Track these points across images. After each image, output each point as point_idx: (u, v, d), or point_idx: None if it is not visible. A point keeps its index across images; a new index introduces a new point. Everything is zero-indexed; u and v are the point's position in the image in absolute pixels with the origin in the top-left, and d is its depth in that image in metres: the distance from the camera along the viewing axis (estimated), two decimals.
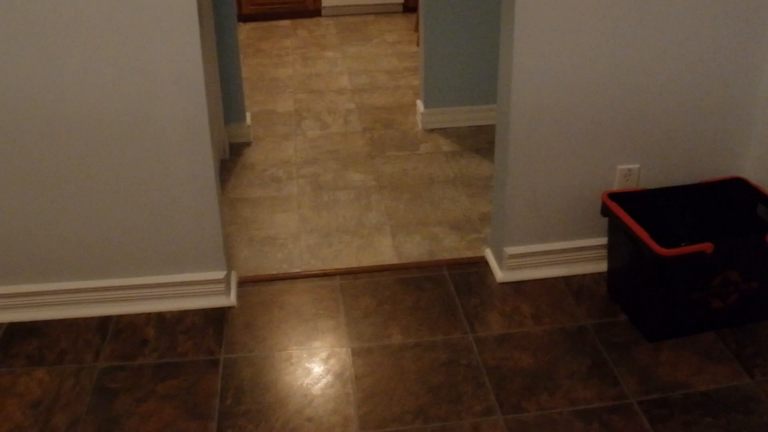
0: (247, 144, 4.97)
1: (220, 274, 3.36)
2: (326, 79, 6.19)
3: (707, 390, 2.82)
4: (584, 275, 3.49)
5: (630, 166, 3.34)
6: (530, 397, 2.82)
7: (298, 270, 3.63)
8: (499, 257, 3.51)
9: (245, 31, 7.41)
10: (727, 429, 2.65)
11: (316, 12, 7.91)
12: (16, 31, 2.84)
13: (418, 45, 5.59)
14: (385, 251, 3.76)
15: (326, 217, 4.09)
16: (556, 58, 3.10)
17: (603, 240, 3.40)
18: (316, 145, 4.95)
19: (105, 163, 3.11)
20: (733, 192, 3.32)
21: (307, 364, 3.04)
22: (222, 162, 4.66)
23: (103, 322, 3.32)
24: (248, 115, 5.07)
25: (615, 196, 3.22)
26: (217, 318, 3.32)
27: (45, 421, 2.81)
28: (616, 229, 3.20)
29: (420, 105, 5.17)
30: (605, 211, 3.21)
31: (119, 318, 3.34)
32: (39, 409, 2.86)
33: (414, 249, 3.77)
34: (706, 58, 3.20)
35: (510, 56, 3.11)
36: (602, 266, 3.44)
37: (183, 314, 3.35)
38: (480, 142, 4.88)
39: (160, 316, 3.34)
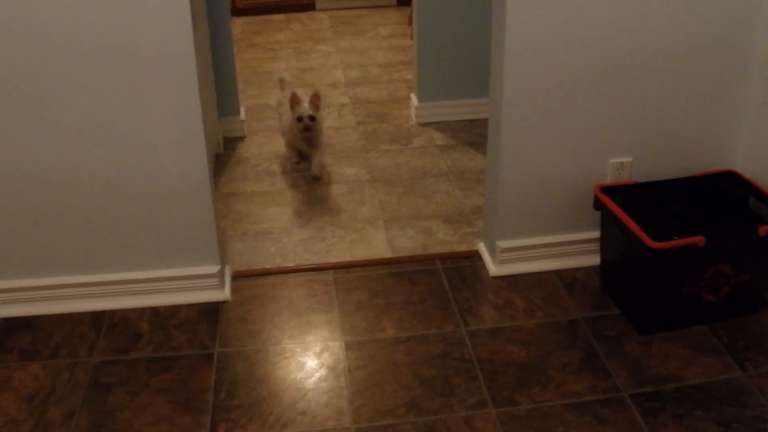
0: (242, 138, 4.97)
1: (214, 269, 3.37)
2: (320, 73, 6.19)
3: (699, 383, 2.84)
4: (577, 269, 3.50)
5: (623, 160, 3.35)
6: (522, 390, 2.83)
7: (292, 264, 3.64)
8: (492, 251, 3.51)
9: (239, 25, 7.39)
10: (718, 422, 2.66)
11: (310, 6, 7.90)
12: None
13: (411, 39, 5.57)
14: (378, 245, 3.77)
15: (320, 211, 4.09)
16: (548, 50, 3.11)
17: (596, 233, 3.41)
18: None
19: (98, 159, 3.11)
20: (725, 185, 3.33)
21: (300, 358, 3.05)
22: (216, 156, 4.66)
23: (97, 316, 3.33)
24: (242, 109, 5.07)
25: (607, 190, 3.23)
26: (210, 312, 3.33)
27: (40, 414, 2.81)
28: (608, 222, 3.21)
29: (414, 99, 5.17)
30: (597, 204, 3.22)
31: (113, 312, 3.35)
32: (34, 402, 2.87)
33: (407, 242, 3.78)
34: (697, 48, 3.20)
35: (502, 47, 3.11)
36: (595, 259, 3.44)
37: (177, 308, 3.36)
38: (473, 135, 4.88)
39: (154, 311, 3.35)
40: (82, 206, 3.20)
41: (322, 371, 2.97)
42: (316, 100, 4.31)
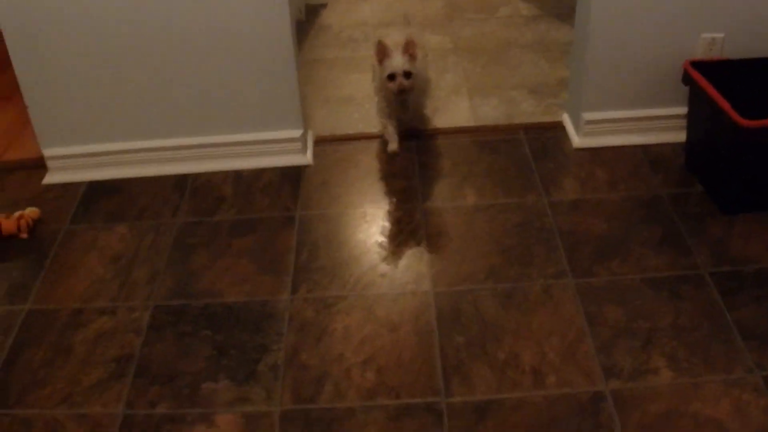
0: (323, 5, 4.92)
1: (297, 133, 3.39)
2: None
3: None
4: (662, 144, 3.44)
5: (714, 35, 3.24)
6: (602, 262, 2.83)
7: (374, 130, 3.64)
8: (577, 123, 3.47)
9: None
10: None
11: None
12: None
13: None
14: (461, 113, 3.74)
15: None
16: None
17: (683, 109, 3.33)
18: (392, 7, 4.89)
19: (184, 24, 3.12)
20: None
21: (381, 223, 3.08)
22: (298, 23, 4.63)
23: (181, 179, 3.40)
24: None
25: (698, 65, 3.14)
26: (293, 176, 3.37)
27: (126, 274, 2.91)
28: (697, 99, 3.14)
29: None
30: (687, 79, 3.14)
31: (197, 176, 3.41)
32: (119, 263, 2.96)
33: (490, 112, 3.74)
34: None
35: None
36: (681, 136, 3.38)
37: (260, 172, 3.41)
38: (560, 6, 4.76)
39: (237, 174, 3.40)
40: (168, 71, 3.23)
41: (403, 236, 3.00)
42: (411, 49, 3.25)
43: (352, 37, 4.52)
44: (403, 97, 3.36)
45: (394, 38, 3.34)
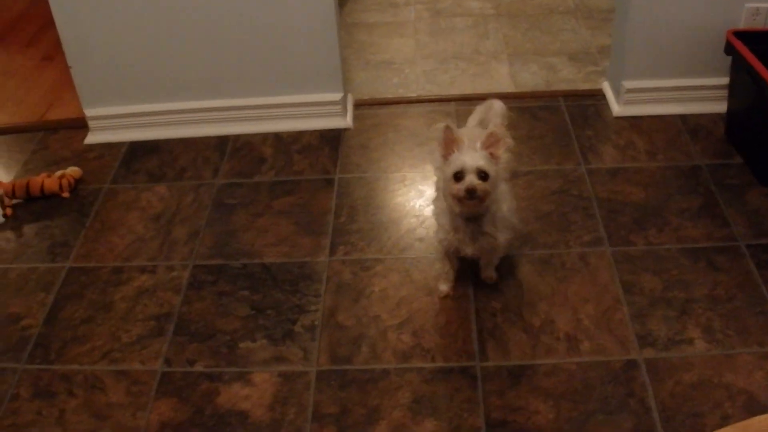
0: None
1: (337, 96, 3.40)
2: None
3: None
4: (702, 114, 3.41)
5: (758, 5, 3.19)
6: (639, 231, 2.83)
7: (414, 95, 3.64)
8: (617, 91, 3.45)
9: None
10: None
11: None
12: None
13: None
14: (501, 79, 3.74)
15: (443, 44, 4.06)
16: None
17: (724, 80, 3.30)
18: None
19: None
20: None
21: (420, 186, 3.09)
22: None
23: (222, 140, 3.42)
24: None
25: (741, 35, 3.11)
26: (332, 139, 3.38)
27: (166, 233, 2.95)
28: (739, 69, 3.11)
29: None
30: (729, 49, 3.11)
31: (237, 137, 3.44)
32: (160, 222, 3.00)
33: (530, 78, 3.73)
34: None
35: None
36: (721, 107, 3.35)
37: (299, 134, 3.42)
38: None
39: (277, 136, 3.42)
40: (211, 33, 3.25)
41: None
42: (493, 144, 2.32)
43: (392, 1, 4.51)
44: (474, 210, 2.38)
45: (470, 132, 2.63)
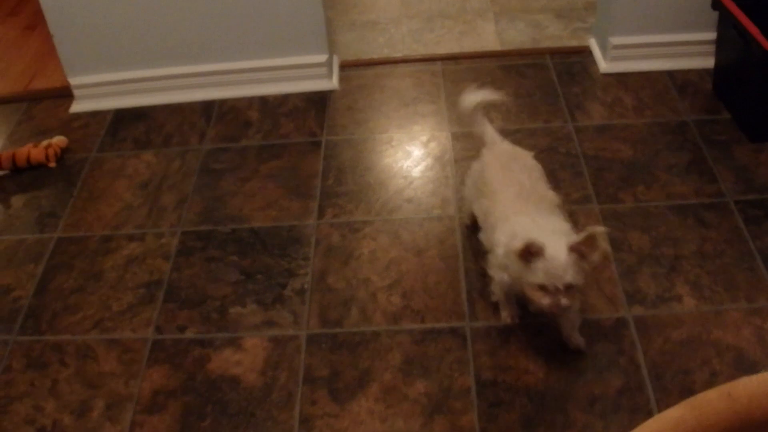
0: None
1: (322, 58, 3.38)
2: None
3: None
4: (689, 70, 3.40)
5: None
6: (627, 188, 2.83)
7: (400, 54, 3.62)
8: (604, 47, 3.44)
9: None
10: None
11: None
12: None
13: None
14: (487, 37, 3.71)
15: (428, 2, 4.03)
16: None
17: (711, 35, 3.28)
18: None
19: None
20: None
21: (407, 147, 3.09)
22: None
23: (208, 105, 3.41)
24: None
25: None
26: (318, 101, 3.37)
27: (153, 200, 2.94)
28: (726, 24, 3.09)
29: None
30: (716, 4, 3.09)
31: (223, 102, 3.42)
32: (148, 189, 3.00)
33: (517, 36, 3.71)
34: None
35: None
36: (709, 62, 3.33)
37: (285, 97, 3.41)
38: None
39: (262, 100, 3.41)
40: None
41: (429, 160, 3.01)
42: (586, 247, 2.00)
43: None
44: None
45: (502, 151, 2.41)
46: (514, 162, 2.37)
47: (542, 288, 2.01)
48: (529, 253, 1.98)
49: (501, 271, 2.20)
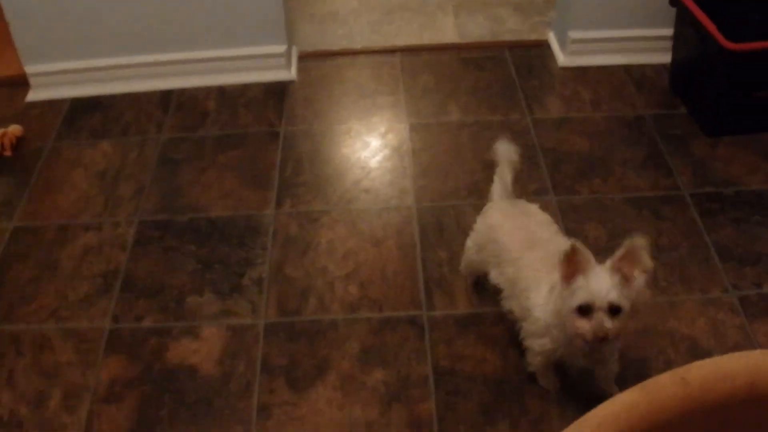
0: None
1: (281, 48, 3.37)
2: None
3: (760, 189, 2.82)
4: (647, 65, 3.43)
5: None
6: (584, 180, 2.85)
7: (359, 46, 3.62)
8: (562, 41, 3.46)
9: None
10: None
11: None
12: None
13: None
14: (446, 30, 3.72)
15: None
16: None
17: (669, 31, 3.31)
18: None
19: None
20: None
21: (365, 138, 3.09)
22: None
23: (166, 95, 3.38)
24: None
25: None
26: (277, 92, 3.36)
27: (111, 190, 2.92)
28: (683, 20, 3.12)
29: None
30: (674, 0, 3.12)
31: (181, 91, 3.40)
32: (105, 179, 2.97)
33: (476, 29, 3.72)
34: None
35: None
36: (666, 57, 3.36)
37: (244, 88, 3.40)
38: None
39: (220, 90, 3.39)
40: None
41: (387, 151, 3.01)
42: (628, 265, 1.83)
43: None
44: (600, 350, 2.02)
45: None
46: (525, 218, 2.23)
47: (584, 313, 1.83)
48: (574, 264, 1.82)
49: (540, 337, 2.05)
